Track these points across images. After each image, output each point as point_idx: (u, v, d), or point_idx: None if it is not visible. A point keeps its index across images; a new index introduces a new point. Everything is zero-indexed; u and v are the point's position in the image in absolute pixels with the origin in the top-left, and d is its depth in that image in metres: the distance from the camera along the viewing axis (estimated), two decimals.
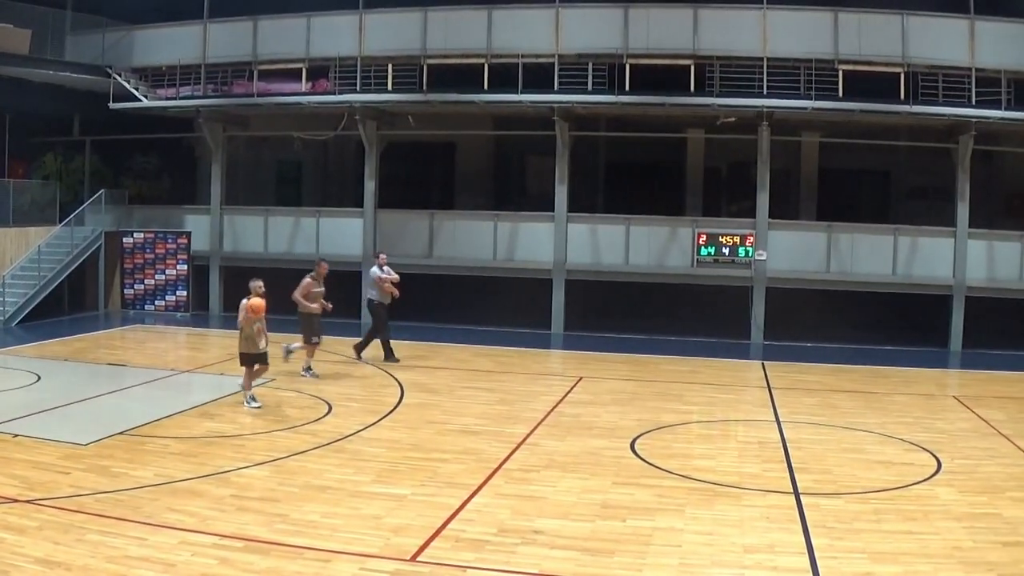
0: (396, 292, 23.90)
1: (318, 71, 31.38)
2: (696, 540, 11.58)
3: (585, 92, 29.29)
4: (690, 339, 24.47)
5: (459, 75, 30.06)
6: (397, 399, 19.44)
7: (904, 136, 32.10)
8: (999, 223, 31.87)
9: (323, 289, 21.95)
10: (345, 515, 12.03)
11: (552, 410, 18.72)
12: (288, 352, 21.52)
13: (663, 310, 28.72)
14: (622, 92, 28.96)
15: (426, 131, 32.49)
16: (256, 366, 18.42)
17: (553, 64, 29.28)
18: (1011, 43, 29.11)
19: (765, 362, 26.37)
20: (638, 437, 16.78)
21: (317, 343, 21.98)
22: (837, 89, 28.70)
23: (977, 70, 28.73)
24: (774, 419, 19.05)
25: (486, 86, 29.68)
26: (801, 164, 34.30)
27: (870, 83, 28.85)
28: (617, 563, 10.73)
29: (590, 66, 29.15)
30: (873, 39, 28.86)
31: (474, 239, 31.39)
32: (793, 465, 15.37)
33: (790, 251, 30.35)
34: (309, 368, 21.79)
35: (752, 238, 29.99)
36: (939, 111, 28.81)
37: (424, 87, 30.18)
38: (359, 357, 24.01)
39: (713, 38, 29.07)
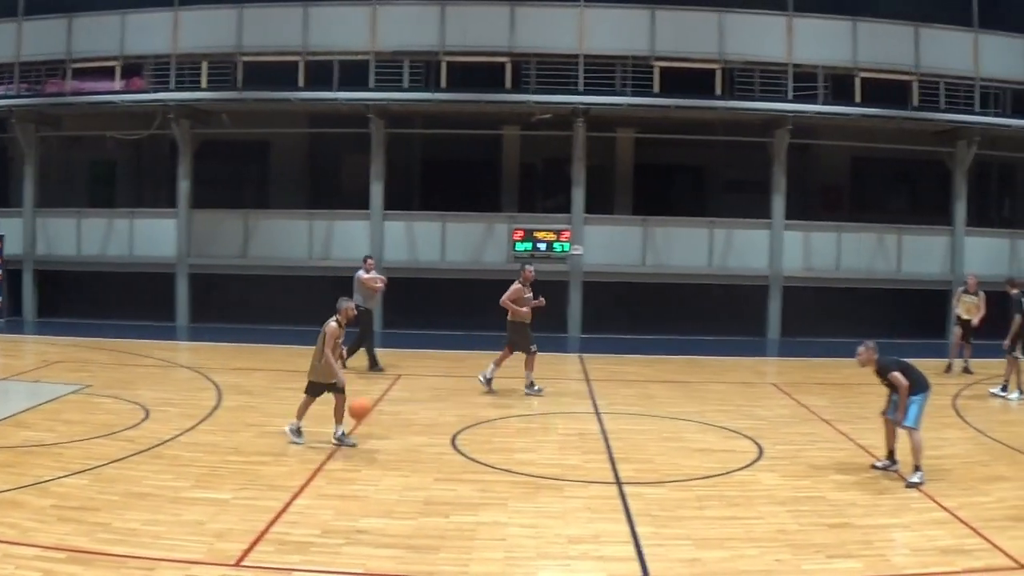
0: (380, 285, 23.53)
1: (133, 69, 30.61)
2: (521, 533, 11.53)
3: (401, 89, 29.19)
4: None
5: (275, 73, 29.64)
6: (215, 402, 18.99)
7: (720, 131, 32.53)
8: (815, 215, 32.70)
9: (531, 295, 21.17)
10: (167, 522, 11.62)
11: (371, 408, 18.48)
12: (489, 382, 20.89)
13: (480, 307, 28.65)
14: (438, 89, 28.94)
15: (241, 130, 31.93)
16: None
17: (369, 61, 29.03)
18: (828, 38, 30.11)
19: (583, 355, 26.58)
20: (459, 433, 16.70)
21: (535, 351, 21.04)
22: (653, 85, 29.02)
23: (794, 66, 29.45)
24: (593, 411, 19.20)
25: (302, 84, 29.35)
26: (617, 159, 34.56)
27: (687, 79, 29.27)
28: (442, 559, 10.62)
29: (406, 63, 29.06)
30: (690, 36, 29.41)
31: (289, 238, 31.00)
32: (614, 456, 15.46)
33: (606, 245, 30.70)
34: (532, 384, 20.99)
35: (568, 233, 30.23)
36: (755, 106, 29.56)
37: (239, 85, 29.71)
38: (375, 366, 23.29)
39: (530, 35, 29.25)
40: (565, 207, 31.15)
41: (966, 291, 24.74)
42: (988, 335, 24.08)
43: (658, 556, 10.89)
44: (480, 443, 15.96)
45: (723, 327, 30.73)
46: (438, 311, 30.40)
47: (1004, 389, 22.02)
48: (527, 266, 21.65)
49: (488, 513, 12.25)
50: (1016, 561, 11.15)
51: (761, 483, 14.16)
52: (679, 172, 35.95)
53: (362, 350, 23.14)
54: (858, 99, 30.21)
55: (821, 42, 30.17)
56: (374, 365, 23.21)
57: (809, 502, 13.22)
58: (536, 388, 20.78)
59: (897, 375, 14.43)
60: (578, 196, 30.58)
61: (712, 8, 29.62)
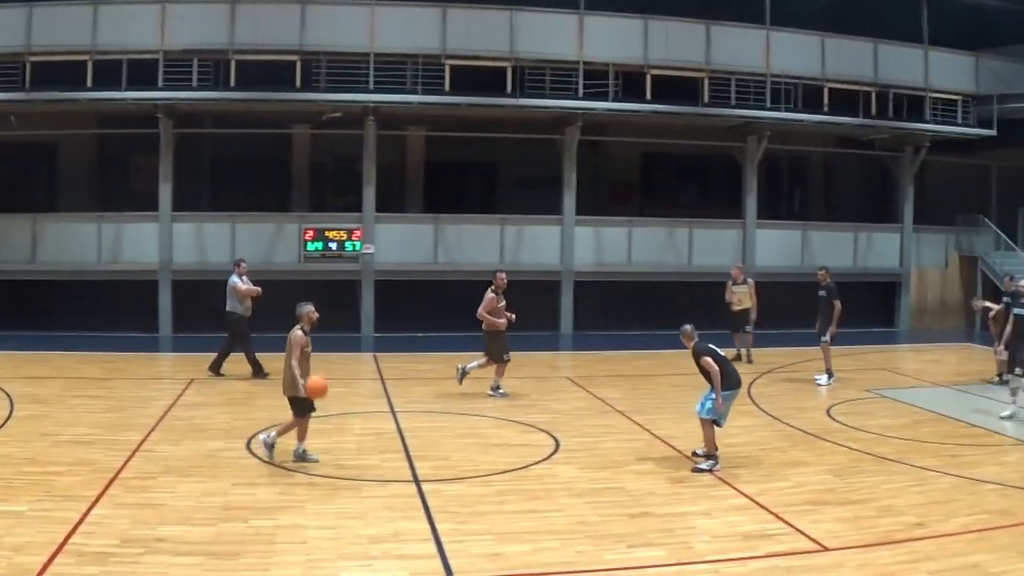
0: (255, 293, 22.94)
1: None
2: (321, 535, 11.52)
3: (191, 89, 28.68)
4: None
5: (64, 72, 28.73)
6: (7, 412, 18.38)
7: (511, 128, 32.88)
8: (606, 210, 33.26)
9: (505, 302, 20.95)
10: None
11: (165, 414, 18.19)
12: (464, 374, 20.71)
13: (271, 307, 28.31)
14: (228, 88, 28.56)
15: (27, 131, 30.97)
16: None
17: (158, 60, 28.46)
18: (619, 37, 30.58)
19: (377, 354, 26.58)
20: (254, 436, 16.49)
21: (508, 360, 20.93)
22: (444, 84, 29.14)
23: (585, 63, 29.82)
24: (389, 410, 19.30)
25: (90, 83, 28.62)
26: (408, 158, 34.69)
27: (478, 77, 29.46)
28: (243, 564, 10.54)
29: (195, 62, 28.55)
30: (481, 34, 29.63)
31: (79, 242, 30.12)
32: (411, 454, 15.56)
33: (398, 244, 30.81)
34: (498, 387, 20.97)
35: (359, 232, 30.20)
36: (546, 104, 29.94)
37: (27, 85, 28.86)
38: (259, 372, 22.54)
39: (321, 33, 29.05)
40: (356, 206, 31.09)
41: (734, 282, 25.37)
42: (776, 324, 24.89)
43: (459, 552, 11.00)
44: (276, 446, 15.80)
45: (516, 323, 30.97)
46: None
47: (827, 376, 23.30)
48: (499, 272, 21.66)
49: (287, 516, 12.19)
50: (818, 543, 11.64)
51: (559, 476, 14.40)
52: (470, 170, 36.18)
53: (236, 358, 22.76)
54: (649, 96, 30.79)
55: (612, 40, 30.71)
56: (258, 371, 22.58)
57: (608, 493, 13.51)
58: (501, 391, 20.95)
59: (708, 360, 14.83)
60: (369, 195, 30.57)
61: (503, 7, 29.88)
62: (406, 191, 34.46)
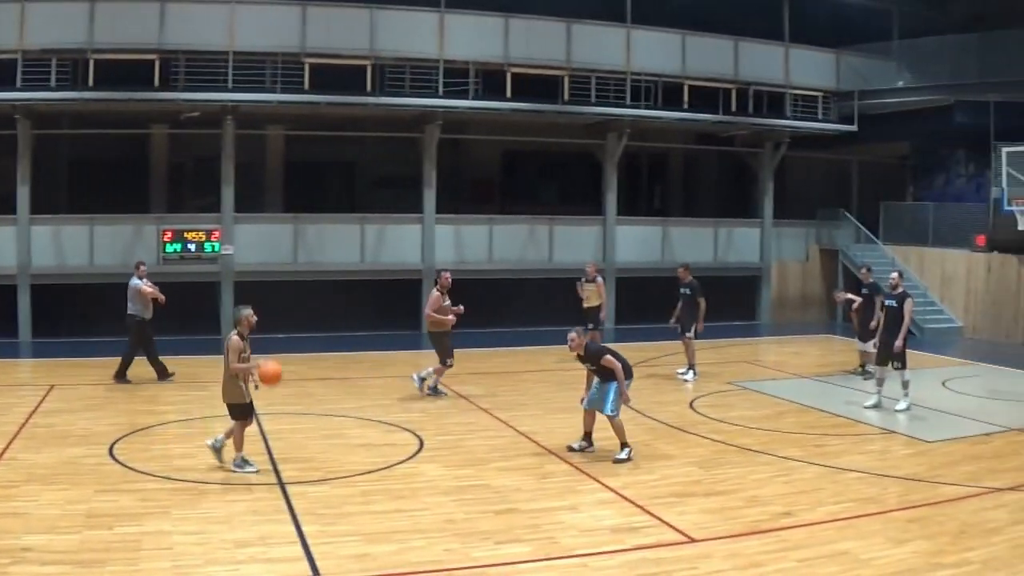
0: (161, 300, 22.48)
1: None
2: (186, 541, 11.48)
3: (49, 89, 28.19)
4: (160, 338, 23.94)
5: None
6: None
7: (372, 127, 32.89)
8: (467, 208, 33.40)
9: (450, 301, 20.73)
10: None
11: (26, 422, 17.86)
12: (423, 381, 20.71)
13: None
14: (87, 88, 28.14)
15: None
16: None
17: (17, 60, 27.84)
18: (479, 35, 30.96)
19: None
20: (116, 442, 16.37)
21: (451, 365, 20.75)
22: (304, 82, 29.09)
23: (446, 62, 29.95)
24: None
25: None
26: (267, 157, 34.58)
27: (338, 76, 29.43)
28: (109, 572, 10.50)
29: (54, 62, 28.06)
30: (341, 33, 29.65)
31: None
32: (275, 456, 15.53)
33: (257, 244, 30.70)
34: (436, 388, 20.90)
35: (218, 233, 30.02)
36: (406, 102, 30.01)
37: None
38: (164, 375, 22.27)
39: (180, 32, 28.67)
40: (215, 206, 30.77)
41: (586, 279, 25.55)
42: (637, 319, 25.23)
43: (327, 554, 11.07)
44: (138, 451, 15.72)
45: (379, 323, 31.06)
46: (88, 318, 29.48)
47: (691, 371, 23.85)
48: (443, 272, 21.54)
49: (152, 522, 12.12)
50: (685, 535, 11.95)
51: (424, 474, 14.56)
52: (331, 169, 36.03)
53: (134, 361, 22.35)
54: (509, 94, 31.09)
55: (473, 38, 30.92)
56: (163, 374, 22.36)
57: (473, 490, 13.71)
58: (438, 391, 20.98)
59: (610, 358, 15.16)
60: (228, 195, 30.34)
61: (363, 5, 29.84)
62: (265, 191, 34.29)
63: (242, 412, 14.77)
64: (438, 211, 31.98)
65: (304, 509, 12.73)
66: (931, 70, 35.51)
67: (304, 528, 11.98)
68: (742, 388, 22.74)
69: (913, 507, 13.38)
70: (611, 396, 15.30)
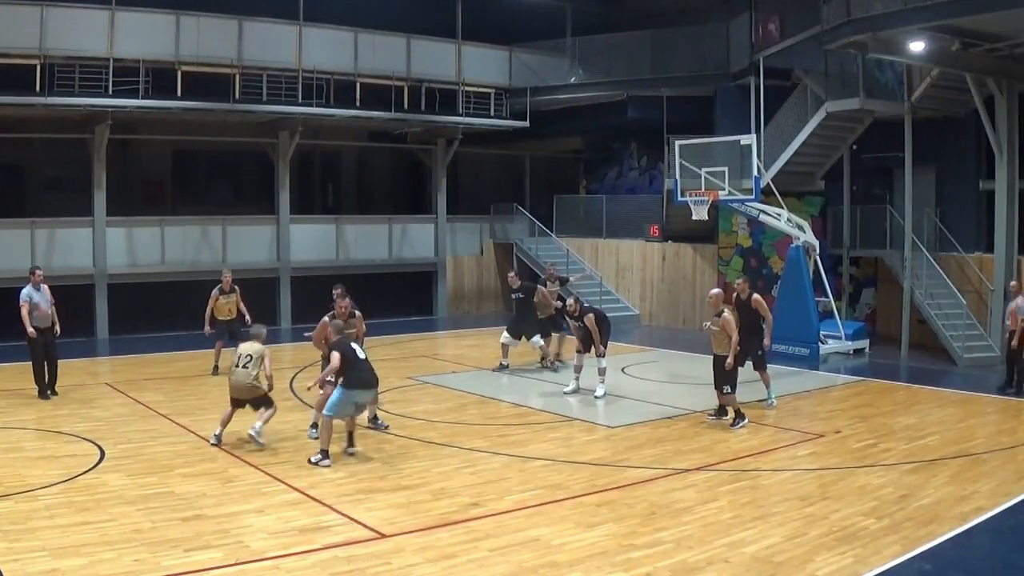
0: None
1: None
2: None
3: None
4: None
5: None
6: None
7: (40, 128, 31.91)
8: (138, 210, 32.82)
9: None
10: None
11: None
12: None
13: None
14: None
15: None
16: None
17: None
18: (150, 33, 30.23)
19: None
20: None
21: None
22: None
23: (115, 60, 29.28)
24: None
25: None
26: None
27: (6, 75, 28.44)
28: None
29: None
30: (6, 31, 28.37)
31: None
32: None
33: None
34: None
35: None
36: (74, 102, 29.20)
37: None
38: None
39: None
40: None
41: (222, 291, 23.89)
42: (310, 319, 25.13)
43: (15, 572, 10.71)
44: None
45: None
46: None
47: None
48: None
49: None
50: (375, 531, 12.09)
51: (108, 485, 14.20)
52: None
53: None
54: (180, 93, 30.60)
55: (143, 36, 30.31)
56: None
57: (159, 498, 13.48)
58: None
59: (336, 355, 15.35)
60: None
61: (33, 2, 28.85)
62: None
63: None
64: (109, 213, 31.23)
65: None
66: (604, 66, 36.84)
67: None
68: (423, 383, 23.05)
69: (601, 491, 13.91)
70: (334, 399, 15.53)
